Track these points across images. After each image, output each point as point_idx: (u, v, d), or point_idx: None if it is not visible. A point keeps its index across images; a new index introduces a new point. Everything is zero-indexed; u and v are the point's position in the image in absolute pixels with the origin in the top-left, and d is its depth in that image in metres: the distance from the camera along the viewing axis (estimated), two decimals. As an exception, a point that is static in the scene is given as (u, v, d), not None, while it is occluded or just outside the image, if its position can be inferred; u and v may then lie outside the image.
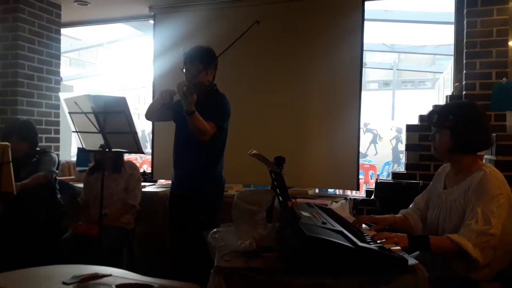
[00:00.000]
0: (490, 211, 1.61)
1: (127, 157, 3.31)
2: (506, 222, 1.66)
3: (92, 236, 2.65)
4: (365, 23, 3.53)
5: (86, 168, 3.33)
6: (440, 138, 1.79)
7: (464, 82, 3.26)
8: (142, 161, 9.61)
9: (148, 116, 2.64)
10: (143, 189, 3.30)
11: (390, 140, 15.57)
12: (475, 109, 1.79)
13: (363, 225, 1.89)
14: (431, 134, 1.86)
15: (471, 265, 1.62)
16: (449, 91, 4.47)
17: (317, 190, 3.74)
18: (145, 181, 3.88)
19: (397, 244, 1.54)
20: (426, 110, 3.42)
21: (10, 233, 2.88)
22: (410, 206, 2.02)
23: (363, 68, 3.69)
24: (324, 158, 3.60)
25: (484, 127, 1.76)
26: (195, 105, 2.25)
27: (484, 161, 2.61)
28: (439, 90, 9.08)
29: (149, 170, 4.39)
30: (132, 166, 3.17)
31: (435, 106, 3.40)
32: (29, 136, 3.08)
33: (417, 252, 1.78)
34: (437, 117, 1.81)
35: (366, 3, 3.54)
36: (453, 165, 1.85)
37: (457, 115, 1.75)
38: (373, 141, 16.77)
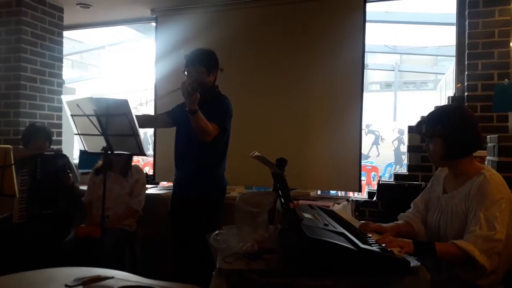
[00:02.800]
0: (493, 216, 1.60)
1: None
2: (509, 227, 1.64)
3: (94, 238, 2.66)
4: (367, 24, 3.54)
5: (89, 171, 3.33)
6: (433, 147, 1.78)
7: (466, 83, 3.26)
8: (144, 163, 9.61)
9: (139, 126, 2.67)
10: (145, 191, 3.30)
11: (392, 142, 15.53)
12: (462, 112, 1.78)
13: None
14: (425, 144, 1.85)
15: (478, 271, 1.60)
16: (451, 92, 4.47)
17: (319, 192, 3.74)
18: (147, 183, 3.88)
19: (402, 248, 1.54)
20: (428, 111, 3.43)
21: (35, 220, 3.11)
22: (410, 210, 2.00)
23: (365, 70, 3.69)
24: (326, 159, 3.60)
25: (474, 128, 1.74)
26: (197, 106, 2.27)
27: (486, 162, 2.60)
28: (441, 91, 9.07)
29: (151, 172, 4.39)
30: (138, 170, 3.17)
31: (435, 108, 3.40)
32: (50, 137, 3.46)
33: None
34: (426, 127, 1.80)
35: (367, 4, 3.54)
36: (451, 170, 1.84)
37: (446, 123, 1.74)
38: (375, 143, 16.72)
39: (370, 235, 1.68)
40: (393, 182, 3.44)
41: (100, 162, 3.16)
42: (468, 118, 1.76)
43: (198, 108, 2.27)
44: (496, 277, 1.68)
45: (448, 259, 1.63)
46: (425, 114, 1.90)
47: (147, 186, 3.76)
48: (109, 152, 2.43)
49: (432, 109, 1.98)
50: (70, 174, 3.26)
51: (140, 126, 2.66)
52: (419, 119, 1.95)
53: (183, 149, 2.62)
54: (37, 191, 3.13)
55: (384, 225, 1.90)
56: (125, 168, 3.07)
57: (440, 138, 1.74)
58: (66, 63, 4.56)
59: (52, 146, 3.56)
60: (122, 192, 3.03)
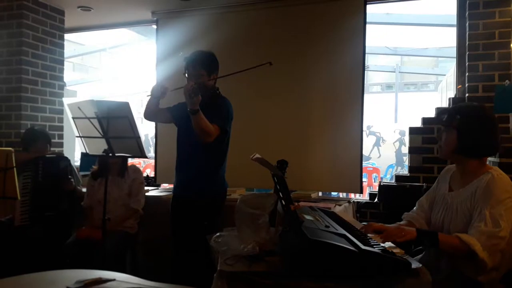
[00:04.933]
0: (499, 214, 1.59)
1: (130, 161, 3.32)
2: None
3: (95, 240, 2.66)
4: (367, 26, 3.54)
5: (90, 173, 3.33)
6: (446, 137, 1.77)
7: (467, 85, 3.26)
8: (145, 165, 9.62)
9: (145, 115, 2.70)
10: (146, 194, 3.30)
11: (394, 143, 15.53)
12: (484, 112, 1.76)
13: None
14: (439, 133, 1.83)
15: (478, 266, 1.60)
16: (452, 93, 4.47)
17: (320, 193, 3.73)
18: (148, 185, 3.89)
19: (405, 236, 1.55)
20: (429, 112, 3.43)
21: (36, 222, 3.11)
22: (414, 208, 2.00)
23: (366, 71, 3.69)
24: (327, 161, 3.60)
25: (491, 131, 1.73)
26: (199, 108, 2.28)
27: (488, 163, 2.60)
28: (442, 93, 9.08)
29: (152, 174, 4.40)
30: (135, 170, 3.17)
31: (438, 109, 3.40)
32: (50, 140, 3.42)
33: (421, 256, 1.77)
34: (446, 116, 1.79)
35: (368, 6, 3.55)
36: (459, 167, 1.83)
37: (465, 116, 1.73)
38: (377, 144, 16.73)
39: (372, 236, 1.68)
40: (394, 184, 3.44)
41: (94, 167, 3.17)
42: (488, 119, 1.74)
43: (200, 109, 2.28)
44: (497, 274, 1.68)
45: (449, 250, 1.63)
46: (429, 114, 1.89)
47: (149, 188, 3.77)
48: (110, 154, 2.43)
49: (433, 110, 1.97)
50: (72, 180, 3.26)
51: (146, 117, 2.72)
52: (440, 109, 1.93)
53: (184, 151, 2.62)
54: (40, 193, 3.13)
55: (387, 225, 1.90)
56: (122, 169, 3.08)
57: (455, 129, 1.73)
58: (67, 66, 4.57)
59: (53, 149, 3.56)
60: (121, 193, 3.03)
